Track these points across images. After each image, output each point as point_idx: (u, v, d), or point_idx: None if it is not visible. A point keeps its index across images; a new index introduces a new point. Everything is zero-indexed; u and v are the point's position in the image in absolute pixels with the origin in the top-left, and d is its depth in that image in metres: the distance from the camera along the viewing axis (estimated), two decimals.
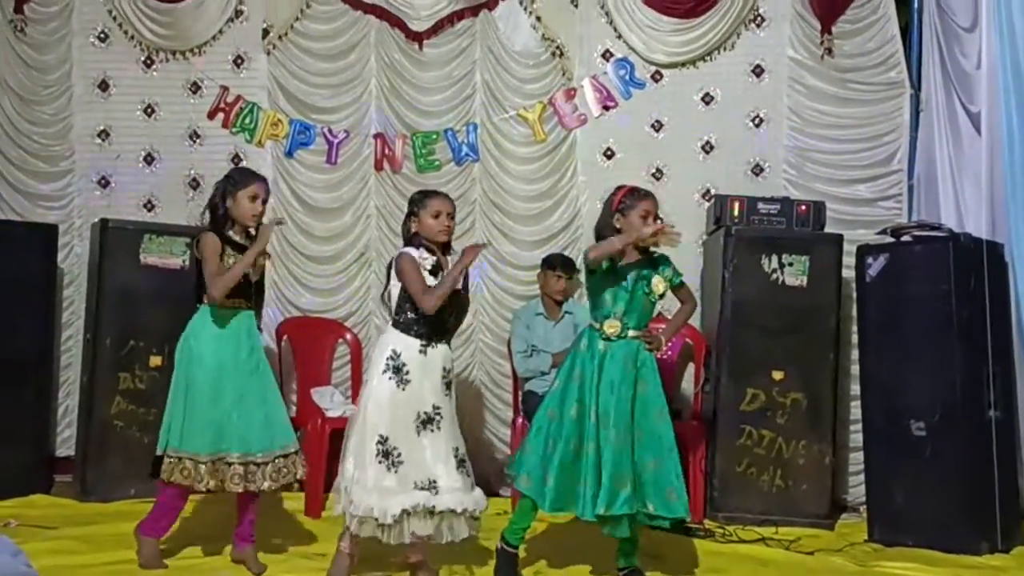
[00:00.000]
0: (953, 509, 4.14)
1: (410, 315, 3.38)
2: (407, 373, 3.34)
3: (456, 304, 3.47)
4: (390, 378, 3.34)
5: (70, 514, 4.50)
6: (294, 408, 5.15)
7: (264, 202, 3.57)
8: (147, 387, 4.88)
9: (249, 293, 3.57)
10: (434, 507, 3.27)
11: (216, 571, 3.57)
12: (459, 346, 5.13)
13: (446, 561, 3.51)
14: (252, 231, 3.58)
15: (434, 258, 3.42)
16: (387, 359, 3.36)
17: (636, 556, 3.48)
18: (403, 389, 3.33)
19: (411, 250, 3.41)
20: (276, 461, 3.51)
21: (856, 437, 4.85)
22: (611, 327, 3.42)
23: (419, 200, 3.48)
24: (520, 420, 4.78)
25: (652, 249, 3.53)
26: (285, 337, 5.23)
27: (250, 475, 3.47)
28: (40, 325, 5.06)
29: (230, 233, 3.54)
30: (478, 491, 3.42)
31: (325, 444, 4.74)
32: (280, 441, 3.55)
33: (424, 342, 3.37)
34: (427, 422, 3.33)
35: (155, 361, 4.91)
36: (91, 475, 4.80)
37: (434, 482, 3.29)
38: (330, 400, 5.01)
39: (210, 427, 3.44)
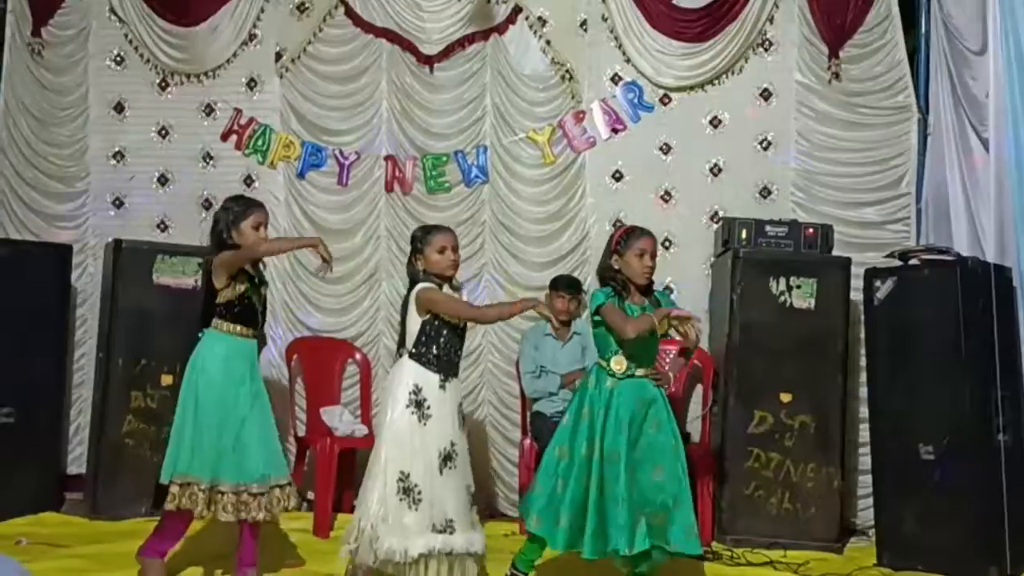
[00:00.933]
0: (962, 534, 4.13)
1: (431, 349, 3.38)
2: (428, 408, 3.33)
3: (458, 341, 3.46)
4: (412, 412, 3.32)
5: (80, 532, 4.54)
6: (303, 427, 5.17)
7: (265, 227, 3.57)
8: (158, 406, 4.93)
9: (257, 322, 3.58)
10: (452, 550, 3.27)
11: None
12: (467, 367, 5.14)
13: None
14: (262, 262, 3.61)
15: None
16: (409, 393, 3.34)
17: None
18: (425, 424, 3.32)
19: (426, 283, 3.44)
20: (272, 492, 3.49)
21: (865, 460, 4.83)
22: (618, 364, 3.42)
23: (422, 237, 3.50)
24: (528, 441, 4.79)
25: (654, 286, 3.57)
26: (295, 357, 5.26)
27: (242, 505, 3.43)
28: (54, 344, 5.12)
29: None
30: (480, 531, 3.44)
31: (334, 463, 4.77)
32: (275, 472, 3.53)
33: (443, 377, 3.39)
34: (447, 459, 3.34)
35: (166, 380, 4.95)
36: (102, 494, 4.84)
37: (451, 522, 3.29)
38: (339, 419, 5.03)
39: (211, 454, 3.43)
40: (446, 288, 3.49)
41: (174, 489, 3.41)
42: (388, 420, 3.35)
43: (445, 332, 3.40)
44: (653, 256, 3.48)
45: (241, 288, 3.50)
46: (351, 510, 4.93)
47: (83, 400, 5.40)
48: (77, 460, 5.36)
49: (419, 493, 3.27)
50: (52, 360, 5.10)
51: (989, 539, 4.11)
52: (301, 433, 5.11)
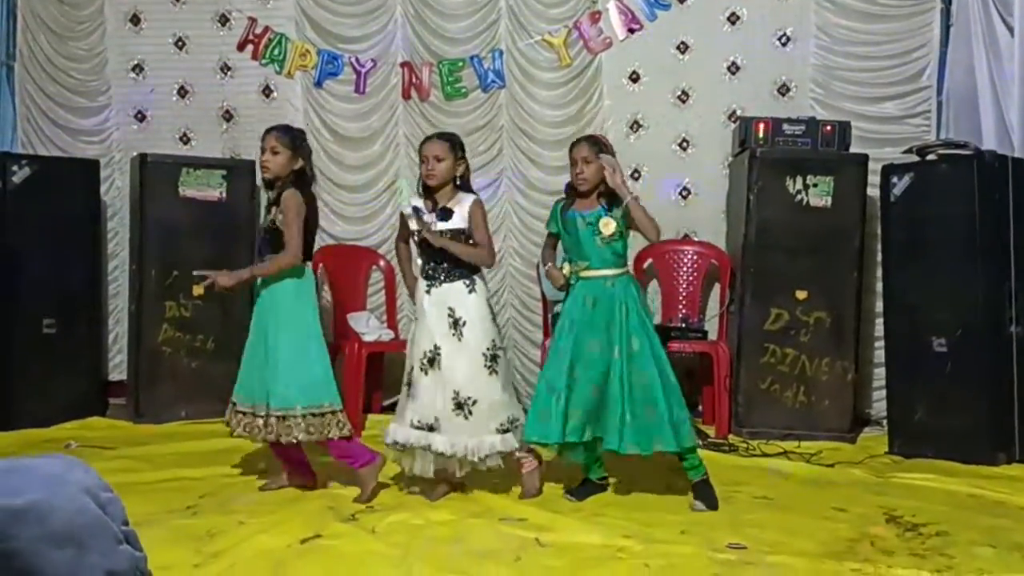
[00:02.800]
0: (972, 422, 4.25)
1: (419, 259, 3.64)
2: (417, 311, 3.61)
3: (429, 247, 3.53)
4: (415, 317, 3.62)
5: (126, 435, 4.76)
6: (331, 333, 5.34)
7: (272, 150, 3.52)
8: (192, 315, 5.11)
9: (261, 251, 3.66)
10: (430, 445, 3.46)
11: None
12: (490, 272, 5.25)
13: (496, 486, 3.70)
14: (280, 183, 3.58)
15: (419, 203, 3.58)
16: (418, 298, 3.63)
17: (697, 471, 3.54)
18: (415, 327, 3.60)
19: (408, 204, 3.67)
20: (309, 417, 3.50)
21: (879, 353, 4.94)
22: (566, 270, 3.55)
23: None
24: (550, 341, 4.92)
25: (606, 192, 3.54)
26: (321, 265, 5.39)
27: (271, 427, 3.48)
28: (88, 257, 5.27)
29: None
30: (490, 438, 3.47)
31: (362, 367, 4.95)
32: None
33: (428, 283, 3.55)
34: (431, 362, 3.50)
35: (198, 291, 5.09)
36: (144, 399, 5.06)
37: (437, 420, 3.47)
38: (366, 324, 5.19)
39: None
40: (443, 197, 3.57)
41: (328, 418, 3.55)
42: None
43: (421, 244, 3.58)
44: (584, 162, 3.48)
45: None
46: (380, 411, 5.19)
47: (119, 310, 5.59)
48: (118, 367, 5.58)
49: (414, 388, 3.53)
50: (87, 273, 5.26)
51: (998, 427, 4.23)
52: (329, 339, 5.26)
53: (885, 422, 4.73)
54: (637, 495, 3.67)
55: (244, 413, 3.57)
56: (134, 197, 5.20)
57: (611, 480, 3.76)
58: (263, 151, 3.56)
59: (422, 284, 3.58)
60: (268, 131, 3.61)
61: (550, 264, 3.66)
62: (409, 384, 3.57)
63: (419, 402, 3.51)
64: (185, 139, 5.64)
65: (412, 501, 3.56)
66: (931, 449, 4.31)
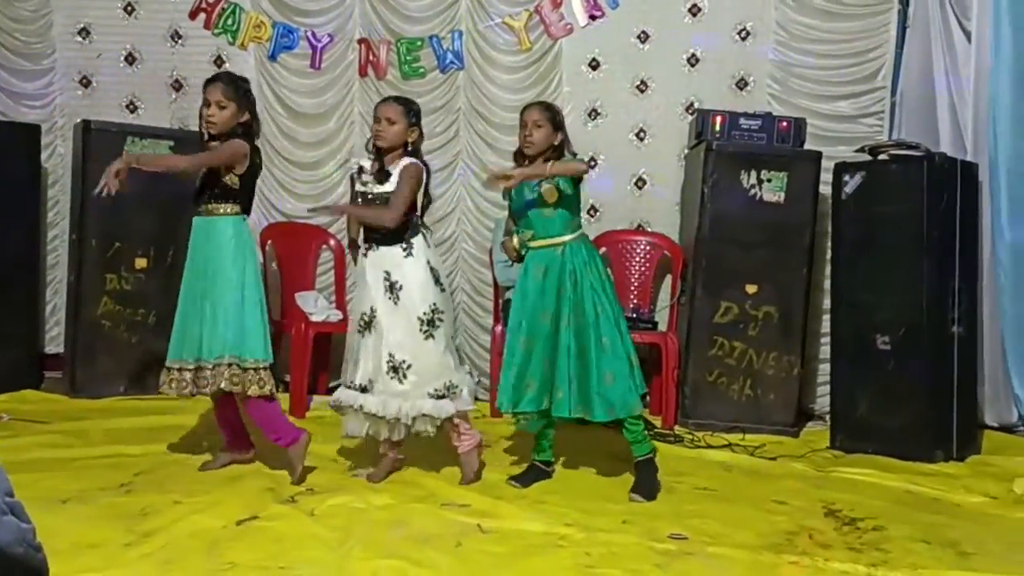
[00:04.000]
0: (912, 419, 4.31)
1: None
2: (358, 274, 3.61)
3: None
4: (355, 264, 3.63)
5: (61, 409, 4.64)
6: (277, 312, 5.25)
7: (219, 104, 3.40)
8: (133, 288, 4.98)
9: (195, 199, 3.50)
10: (362, 407, 3.47)
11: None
12: (442, 254, 5.20)
13: (440, 470, 3.67)
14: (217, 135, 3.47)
15: (364, 163, 3.57)
16: None
17: (641, 447, 3.58)
18: (357, 290, 3.61)
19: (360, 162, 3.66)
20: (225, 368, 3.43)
21: (824, 350, 4.99)
22: (515, 241, 3.56)
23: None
24: (500, 328, 4.90)
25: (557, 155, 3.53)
26: (269, 242, 5.29)
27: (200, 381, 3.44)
28: (27, 225, 5.12)
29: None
30: (423, 402, 3.44)
31: (309, 347, 4.87)
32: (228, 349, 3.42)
33: (367, 246, 3.53)
34: (368, 325, 3.50)
35: (140, 263, 4.99)
36: (81, 373, 4.93)
37: (371, 382, 3.48)
38: (314, 304, 5.11)
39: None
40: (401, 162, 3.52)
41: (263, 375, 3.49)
42: None
43: (356, 200, 3.58)
44: (535, 126, 3.47)
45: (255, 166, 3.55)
46: (326, 391, 5.12)
47: (58, 281, 5.43)
48: (55, 340, 5.43)
49: (354, 349, 3.54)
50: (25, 241, 5.11)
51: (937, 425, 4.30)
52: (276, 317, 5.18)
53: (828, 417, 4.78)
54: (580, 483, 3.67)
55: (170, 369, 3.49)
56: (76, 165, 5.04)
57: (556, 467, 3.75)
58: (207, 104, 3.42)
59: (363, 247, 3.56)
60: (211, 81, 3.46)
61: (505, 238, 3.63)
62: (349, 349, 3.58)
63: (356, 363, 3.52)
64: (132, 107, 5.48)
65: (353, 484, 3.52)
66: (872, 445, 4.37)
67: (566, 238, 3.50)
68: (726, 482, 3.82)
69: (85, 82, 5.48)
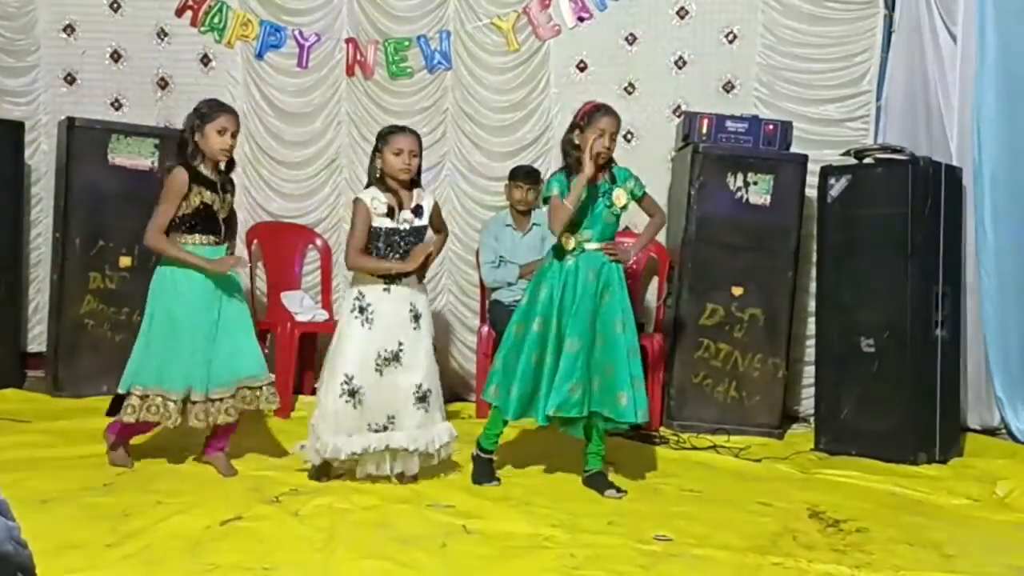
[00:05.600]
0: (896, 422, 4.34)
1: (372, 254, 3.48)
2: (371, 312, 3.45)
3: (402, 244, 3.49)
4: (356, 318, 3.46)
5: (42, 409, 4.60)
6: (263, 312, 5.22)
7: (234, 135, 3.45)
8: (117, 287, 4.95)
9: (217, 228, 3.50)
10: (388, 446, 3.43)
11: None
12: None
13: (424, 472, 3.63)
14: (222, 166, 3.51)
15: (387, 199, 3.45)
16: (354, 299, 3.48)
17: (601, 460, 3.63)
18: (368, 329, 3.44)
19: (365, 195, 3.48)
20: (239, 393, 3.51)
21: (809, 352, 5.02)
22: (567, 242, 3.51)
23: (383, 136, 3.51)
24: (487, 329, 4.90)
25: (614, 163, 3.59)
26: (255, 241, 5.27)
27: (210, 412, 3.47)
28: (9, 222, 5.07)
29: (200, 167, 3.45)
30: (440, 427, 3.53)
31: (295, 347, 4.85)
32: (244, 372, 3.51)
33: (387, 282, 3.47)
34: (390, 359, 3.45)
35: (125, 262, 4.95)
36: (63, 372, 4.89)
37: (392, 419, 3.44)
38: (300, 304, 5.09)
39: (183, 364, 3.44)
40: (411, 192, 3.52)
41: (135, 401, 3.44)
42: (339, 328, 3.53)
43: (382, 237, 3.47)
44: (612, 137, 3.49)
45: (196, 200, 3.42)
46: (312, 392, 5.09)
47: (40, 280, 5.38)
48: (37, 338, 5.38)
49: (362, 394, 3.41)
50: (8, 239, 5.06)
51: (920, 428, 4.33)
52: (261, 317, 5.16)
53: (812, 419, 4.80)
54: (566, 485, 3.67)
55: (199, 401, 3.45)
56: (60, 162, 5.00)
57: (552, 472, 3.74)
58: (225, 132, 3.41)
59: (376, 285, 3.47)
60: (229, 111, 3.49)
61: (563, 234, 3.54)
62: (352, 393, 3.41)
63: (369, 406, 3.43)
64: (117, 105, 5.44)
65: (338, 485, 3.50)
66: (855, 447, 4.39)
67: (613, 246, 3.58)
68: (711, 484, 3.83)
69: (70, 79, 5.44)
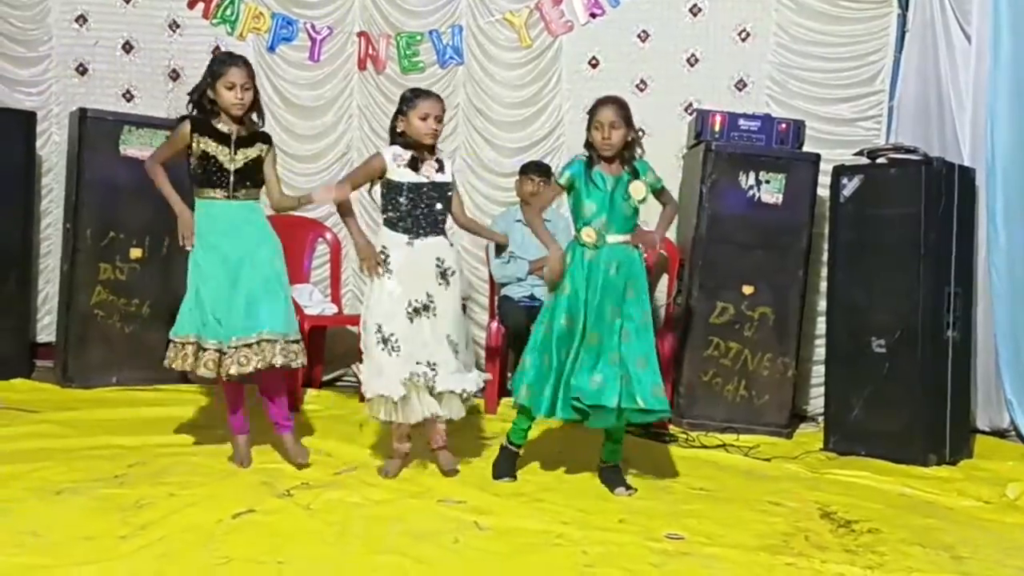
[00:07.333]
0: (906, 423, 4.32)
1: (394, 210, 3.52)
2: (395, 265, 3.50)
3: (424, 199, 3.52)
4: (382, 272, 3.50)
5: (52, 399, 4.60)
6: None
7: (245, 87, 3.43)
8: (128, 279, 4.95)
9: (224, 182, 3.48)
10: (433, 386, 3.47)
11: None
12: None
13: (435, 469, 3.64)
14: (245, 119, 3.51)
15: (410, 154, 3.50)
16: (379, 254, 3.53)
17: (618, 455, 3.62)
18: (393, 280, 3.50)
19: (387, 151, 3.53)
20: (257, 346, 3.44)
21: (820, 351, 5.01)
22: (587, 235, 3.49)
23: (409, 99, 3.52)
24: (495, 324, 4.89)
25: (636, 155, 3.56)
26: None
27: (222, 363, 3.41)
28: (20, 212, 5.07)
29: (215, 122, 3.48)
30: (474, 373, 3.61)
31: (304, 340, 4.82)
32: (261, 327, 3.44)
33: (411, 236, 3.50)
34: (420, 310, 3.49)
35: (135, 253, 4.95)
36: (72, 362, 4.89)
37: (434, 364, 3.48)
38: (309, 298, 5.08)
39: (195, 310, 3.46)
40: (427, 157, 3.54)
41: (170, 351, 3.48)
42: (369, 284, 3.59)
43: (404, 191, 3.49)
44: (611, 127, 3.46)
45: (200, 147, 3.44)
46: (320, 386, 5.10)
47: (50, 270, 5.39)
48: (47, 329, 5.39)
49: (396, 341, 3.46)
50: (18, 229, 5.06)
51: (931, 429, 4.31)
52: None
53: (821, 419, 4.79)
54: (578, 482, 3.66)
55: (208, 349, 3.41)
56: (72, 153, 5.00)
57: (564, 469, 3.73)
58: (234, 87, 3.42)
59: (398, 237, 3.51)
60: (236, 64, 3.46)
61: (556, 247, 3.54)
62: (385, 340, 3.45)
63: (408, 351, 3.45)
64: (128, 96, 5.44)
65: (349, 479, 3.50)
66: (865, 447, 4.38)
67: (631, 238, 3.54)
68: (721, 482, 3.82)
69: (81, 70, 5.44)
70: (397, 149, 3.52)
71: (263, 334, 3.45)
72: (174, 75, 5.43)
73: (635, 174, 3.53)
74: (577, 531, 3.03)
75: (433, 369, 3.48)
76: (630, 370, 3.41)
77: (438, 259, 3.54)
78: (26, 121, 5.08)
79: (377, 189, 3.56)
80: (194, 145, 3.45)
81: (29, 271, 5.23)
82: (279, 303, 3.52)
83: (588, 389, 3.36)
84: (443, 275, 3.54)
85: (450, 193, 3.60)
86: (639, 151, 3.57)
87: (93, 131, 4.86)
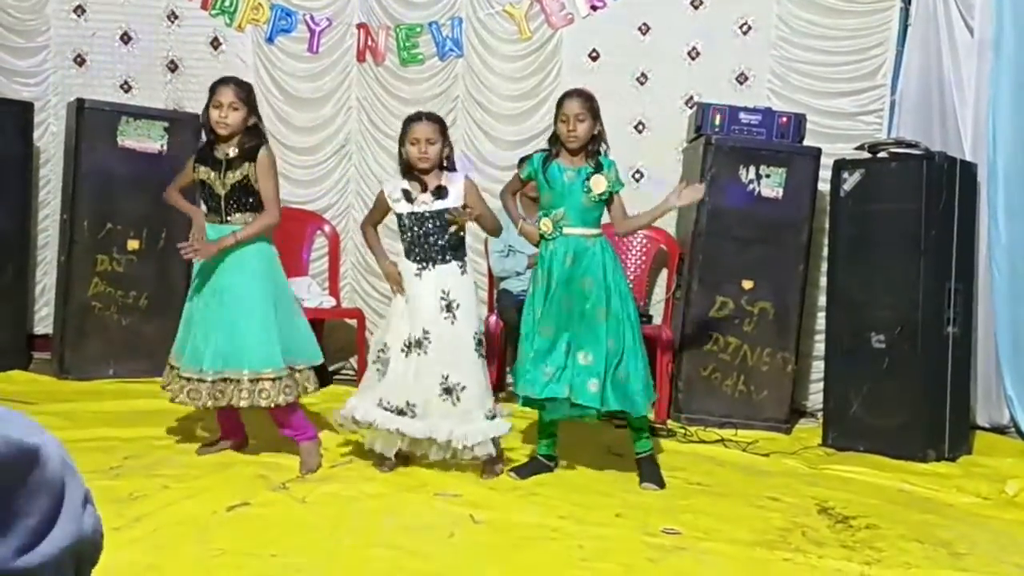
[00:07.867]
0: (905, 419, 4.30)
1: (403, 240, 3.51)
2: (407, 293, 3.47)
3: (425, 228, 3.44)
4: (400, 295, 3.51)
5: (49, 391, 4.59)
6: None
7: (232, 107, 3.35)
8: (125, 270, 4.93)
9: (216, 207, 3.41)
10: (398, 429, 3.38)
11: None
12: None
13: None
14: (238, 139, 3.42)
15: (406, 185, 3.45)
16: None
17: (644, 442, 3.58)
18: (399, 309, 3.48)
19: (387, 184, 3.56)
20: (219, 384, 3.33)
21: (819, 347, 4.99)
22: (544, 226, 3.47)
23: (404, 125, 3.49)
24: (494, 318, 4.87)
25: (602, 150, 3.52)
26: None
27: (194, 392, 3.33)
28: (17, 203, 5.05)
29: (216, 148, 3.43)
30: (476, 426, 3.39)
31: None
32: (218, 364, 3.31)
33: (419, 266, 3.45)
34: (415, 344, 3.41)
35: (132, 245, 4.94)
36: (70, 354, 4.87)
37: (412, 406, 3.39)
38: (307, 290, 5.06)
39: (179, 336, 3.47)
40: (436, 178, 3.48)
41: (166, 372, 3.48)
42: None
43: (411, 224, 3.45)
44: (576, 119, 3.42)
45: (198, 178, 3.45)
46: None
47: (48, 261, 5.37)
48: (44, 320, 5.38)
49: (388, 368, 3.43)
50: (15, 220, 5.04)
51: (930, 424, 4.30)
52: None
53: (820, 414, 4.78)
54: (574, 476, 3.65)
55: (189, 379, 3.35)
56: (69, 144, 4.99)
57: (561, 464, 3.72)
58: (220, 106, 3.36)
59: (410, 266, 3.46)
60: (224, 83, 3.42)
61: (523, 221, 3.57)
62: (380, 363, 3.46)
63: (390, 384, 3.41)
64: (126, 87, 5.42)
65: (345, 472, 3.49)
66: (864, 443, 4.36)
67: (596, 232, 3.49)
68: (719, 477, 3.81)
69: (79, 60, 5.42)
70: (396, 181, 3.51)
71: (225, 372, 3.30)
72: (172, 66, 5.41)
73: (598, 168, 3.48)
74: (573, 525, 3.02)
75: (410, 411, 3.37)
76: (576, 363, 3.38)
77: (443, 291, 3.42)
78: (24, 112, 5.06)
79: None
80: (194, 174, 3.46)
81: (27, 262, 5.21)
82: (251, 337, 3.31)
83: (540, 381, 3.37)
84: (448, 308, 3.42)
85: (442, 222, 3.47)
86: (604, 146, 3.52)
87: (91, 122, 4.84)
